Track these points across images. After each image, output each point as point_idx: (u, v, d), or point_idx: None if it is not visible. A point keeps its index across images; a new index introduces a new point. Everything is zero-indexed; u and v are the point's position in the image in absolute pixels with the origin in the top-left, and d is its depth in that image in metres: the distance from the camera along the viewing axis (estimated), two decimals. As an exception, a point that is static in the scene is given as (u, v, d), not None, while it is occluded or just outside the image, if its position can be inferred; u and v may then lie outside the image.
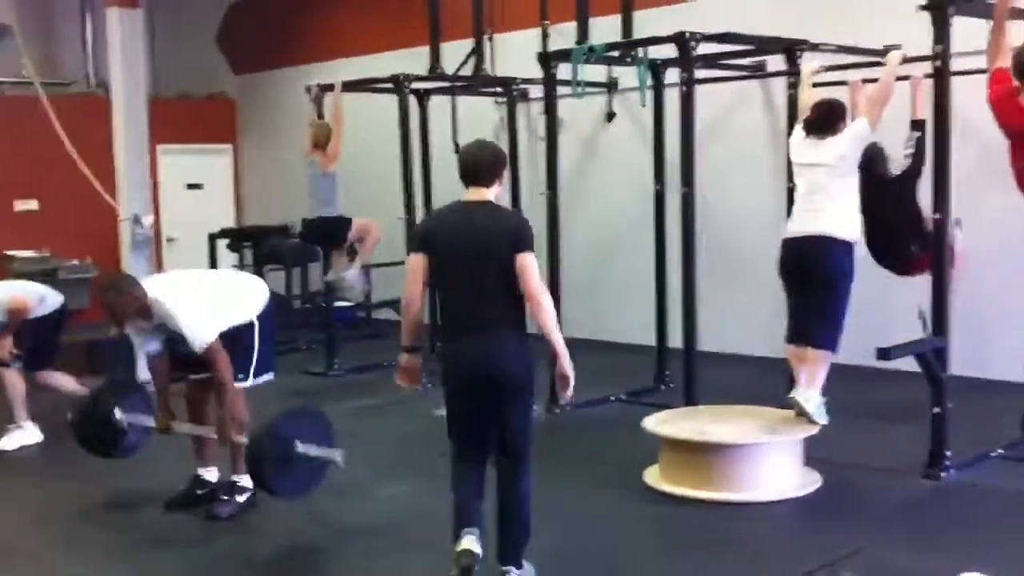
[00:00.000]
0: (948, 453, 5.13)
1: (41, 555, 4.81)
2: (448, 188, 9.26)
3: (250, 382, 5.04)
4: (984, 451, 5.40)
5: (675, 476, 5.05)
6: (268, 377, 5.17)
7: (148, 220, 8.69)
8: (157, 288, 4.82)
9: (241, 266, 10.80)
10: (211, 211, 12.02)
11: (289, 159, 11.64)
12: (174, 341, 4.85)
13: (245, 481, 5.01)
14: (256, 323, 5.05)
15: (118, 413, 5.26)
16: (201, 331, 4.70)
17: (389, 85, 8.07)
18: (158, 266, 9.51)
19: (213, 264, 9.97)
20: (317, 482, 4.84)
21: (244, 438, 4.81)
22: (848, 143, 5.22)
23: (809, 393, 5.19)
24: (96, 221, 9.83)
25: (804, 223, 5.27)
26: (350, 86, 8.59)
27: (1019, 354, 5.86)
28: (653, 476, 5.19)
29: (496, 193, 3.98)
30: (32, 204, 10.97)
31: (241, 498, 5.04)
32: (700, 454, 4.96)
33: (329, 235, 8.25)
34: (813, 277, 5.26)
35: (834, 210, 5.18)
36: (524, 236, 3.86)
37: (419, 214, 8.39)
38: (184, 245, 11.91)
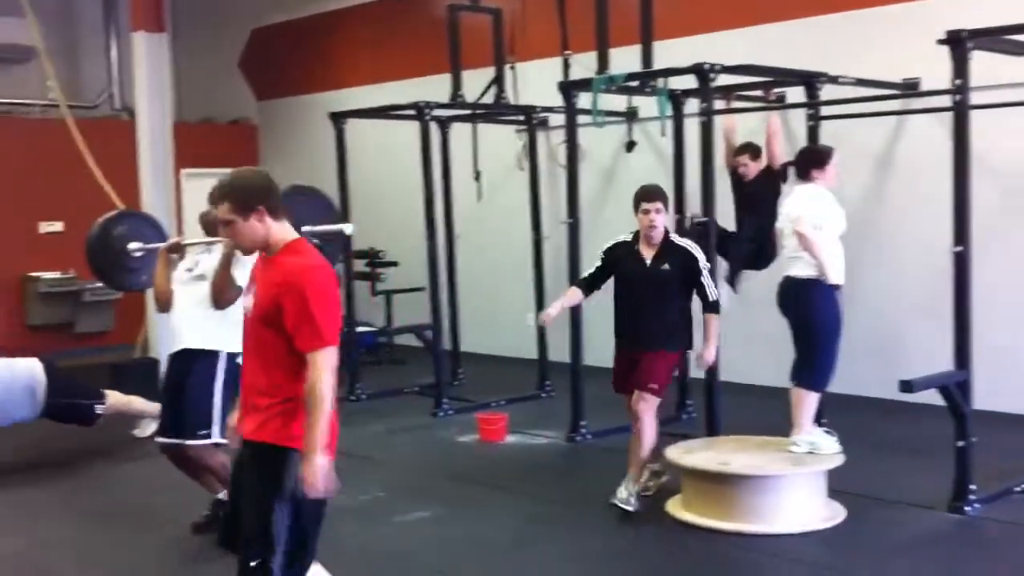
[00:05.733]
0: (972, 487, 5.11)
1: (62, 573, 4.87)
2: (468, 214, 9.50)
3: (216, 438, 4.92)
4: (1008, 486, 5.38)
5: (697, 506, 5.06)
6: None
7: (171, 243, 8.75)
8: None
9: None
10: (232, 234, 12.02)
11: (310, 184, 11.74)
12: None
13: None
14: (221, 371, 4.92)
15: (132, 245, 5.74)
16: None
17: (411, 112, 8.15)
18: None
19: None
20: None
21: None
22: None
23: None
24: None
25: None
26: (373, 113, 8.68)
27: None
28: (675, 506, 5.20)
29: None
30: (57, 226, 11.08)
31: None
32: (722, 485, 4.96)
33: None
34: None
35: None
36: None
37: (440, 240, 8.43)
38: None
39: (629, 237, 5.39)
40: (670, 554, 4.81)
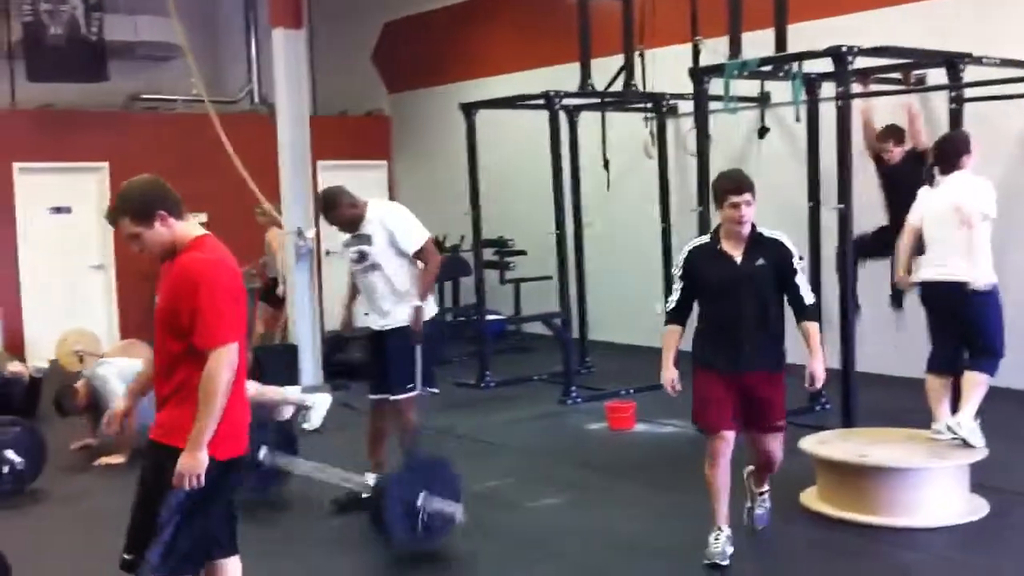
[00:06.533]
0: (1125, 485, 4.90)
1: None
2: (597, 203, 9.51)
3: (418, 391, 5.32)
4: None
5: (833, 498, 4.97)
6: (433, 390, 5.49)
7: (310, 233, 9.02)
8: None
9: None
10: (365, 224, 12.32)
11: (440, 176, 11.94)
12: (360, 256, 5.37)
13: None
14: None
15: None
16: (419, 229, 5.32)
17: (540, 101, 8.21)
18: (318, 277, 9.85)
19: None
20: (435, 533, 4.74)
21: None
22: None
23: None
24: (261, 234, 10.24)
25: None
26: (503, 103, 8.76)
27: None
28: (811, 497, 5.13)
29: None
30: (201, 217, 11.48)
31: None
32: (860, 477, 4.87)
33: None
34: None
35: None
36: None
37: (569, 229, 8.47)
38: (340, 257, 12.30)
39: (706, 239, 4.52)
40: (805, 546, 4.74)
